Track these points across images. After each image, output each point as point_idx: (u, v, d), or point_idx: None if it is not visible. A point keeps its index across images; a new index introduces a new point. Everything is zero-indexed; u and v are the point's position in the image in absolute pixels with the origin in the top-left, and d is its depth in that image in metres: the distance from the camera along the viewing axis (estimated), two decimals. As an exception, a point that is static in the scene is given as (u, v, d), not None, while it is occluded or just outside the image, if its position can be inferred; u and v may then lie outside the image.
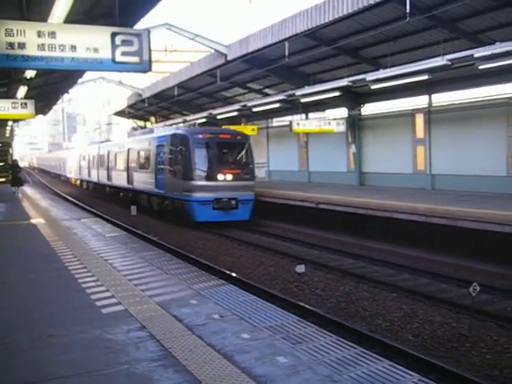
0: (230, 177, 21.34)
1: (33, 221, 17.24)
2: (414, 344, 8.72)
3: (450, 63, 16.16)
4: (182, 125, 34.78)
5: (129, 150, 29.69)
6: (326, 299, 11.26)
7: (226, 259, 15.39)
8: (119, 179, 31.43)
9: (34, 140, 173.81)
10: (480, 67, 16.31)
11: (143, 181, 26.59)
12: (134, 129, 45.17)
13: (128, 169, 29.37)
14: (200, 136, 21.82)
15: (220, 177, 21.13)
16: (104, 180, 35.80)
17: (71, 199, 33.01)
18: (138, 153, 27.82)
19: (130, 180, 29.03)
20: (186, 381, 4.89)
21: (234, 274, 12.93)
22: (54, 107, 49.92)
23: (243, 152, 22.35)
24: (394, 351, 8.11)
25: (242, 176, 21.79)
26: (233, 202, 20.84)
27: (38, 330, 6.41)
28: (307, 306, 10.39)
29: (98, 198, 36.66)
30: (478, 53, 15.55)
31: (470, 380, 7.11)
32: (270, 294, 11.21)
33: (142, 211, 26.16)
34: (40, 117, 51.65)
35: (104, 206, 31.13)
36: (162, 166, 23.60)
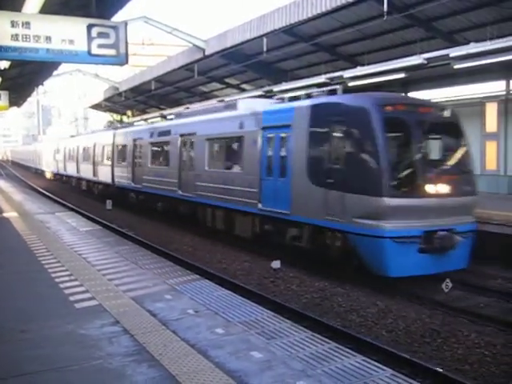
0: (446, 188, 11.51)
1: (5, 214, 16.98)
2: (387, 339, 8.80)
3: (426, 62, 16.33)
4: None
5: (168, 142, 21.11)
6: (301, 295, 11.30)
7: (203, 254, 15.34)
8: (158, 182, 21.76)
9: (7, 132, 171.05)
10: (455, 66, 16.50)
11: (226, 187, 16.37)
12: (111, 122, 44.71)
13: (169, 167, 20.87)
14: (390, 109, 11.71)
15: (431, 188, 11.30)
16: (108, 179, 28.36)
17: (46, 193, 32.57)
18: (186, 145, 19.47)
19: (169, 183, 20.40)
20: (160, 376, 4.87)
21: (209, 269, 12.89)
22: (29, 99, 49.16)
23: (457, 141, 12.60)
24: (368, 346, 8.18)
25: (463, 187, 11.98)
26: (455, 236, 11.35)
27: (9, 325, 6.33)
28: (282, 302, 10.41)
29: (74, 192, 36.22)
30: (454, 52, 15.74)
31: (440, 374, 7.21)
32: (245, 289, 11.21)
33: (118, 205, 25.91)
34: (14, 109, 50.84)
35: (79, 199, 30.76)
36: (275, 165, 14.06)
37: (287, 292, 11.53)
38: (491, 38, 15.82)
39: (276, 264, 13.34)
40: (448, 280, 9.20)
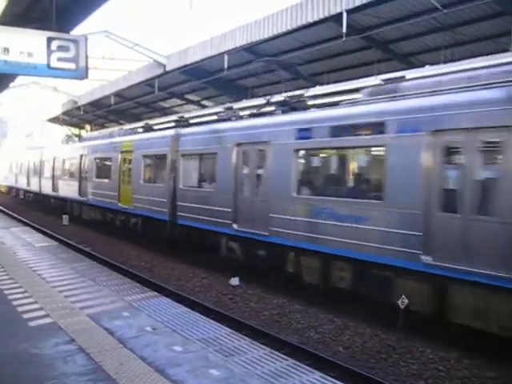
0: None
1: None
2: (344, 356, 8.88)
3: (383, 83, 16.69)
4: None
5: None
6: (259, 312, 11.30)
7: (161, 271, 15.19)
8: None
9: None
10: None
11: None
12: (69, 136, 44.05)
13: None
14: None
15: None
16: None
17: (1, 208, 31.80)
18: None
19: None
20: (116, 395, 4.80)
21: (167, 286, 12.77)
22: (-17, 111, 48.02)
23: None
24: (326, 363, 8.24)
25: None
26: None
27: (-41, 344, 6.14)
28: (240, 319, 10.39)
29: (30, 207, 35.46)
30: (409, 74, 16.17)
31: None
32: (203, 306, 11.15)
33: (74, 221, 25.46)
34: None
35: (34, 215, 30.09)
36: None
37: (246, 309, 11.52)
38: (445, 62, 16.35)
39: (235, 281, 13.34)
40: (404, 296, 9.35)
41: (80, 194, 26.00)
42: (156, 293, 9.82)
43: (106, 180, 22.86)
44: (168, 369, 5.45)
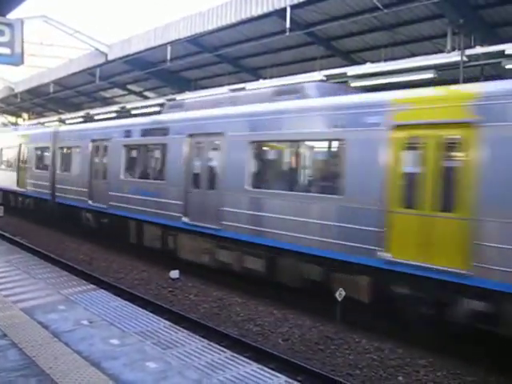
0: None
1: None
2: (283, 347, 8.99)
3: (325, 78, 16.94)
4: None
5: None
6: (199, 304, 11.29)
7: (100, 264, 14.93)
8: None
9: None
10: (352, 84, 17.24)
11: None
12: (4, 124, 42.47)
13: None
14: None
15: None
16: None
17: None
18: None
19: None
20: (49, 390, 4.70)
21: (105, 279, 12.57)
22: None
23: None
24: (264, 355, 8.32)
25: None
26: None
27: None
28: (179, 312, 10.36)
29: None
30: (351, 71, 16.50)
31: (332, 379, 7.48)
32: (142, 299, 11.04)
33: (11, 212, 24.65)
34: None
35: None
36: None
37: (185, 302, 11.49)
38: (385, 60, 16.77)
39: (174, 274, 13.27)
40: (341, 289, 9.55)
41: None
42: (94, 286, 9.65)
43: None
44: (104, 362, 5.38)
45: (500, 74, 14.96)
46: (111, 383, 4.86)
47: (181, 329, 7.29)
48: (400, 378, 7.82)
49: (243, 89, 18.26)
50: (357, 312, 9.77)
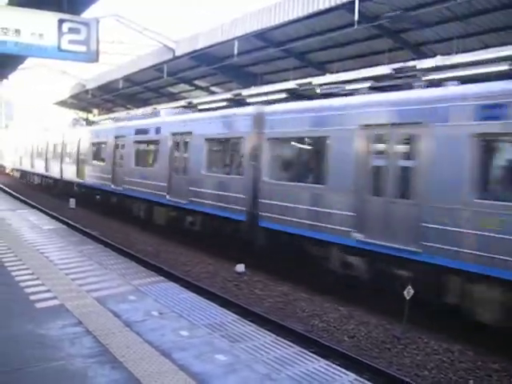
0: None
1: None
2: (349, 345, 8.89)
3: (393, 72, 16.57)
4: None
5: None
6: (264, 299, 11.33)
7: (167, 256, 15.23)
8: None
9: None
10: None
11: None
12: (76, 120, 44.00)
13: None
14: None
15: None
16: None
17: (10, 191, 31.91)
18: None
19: None
20: (123, 378, 4.83)
21: (173, 272, 12.81)
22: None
23: None
24: (330, 351, 8.26)
25: None
26: None
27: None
28: (245, 306, 10.42)
29: (36, 190, 35.55)
30: (420, 64, 16.05)
31: (400, 380, 7.33)
32: (209, 292, 11.18)
33: (81, 204, 25.54)
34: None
35: (41, 197, 30.17)
36: None
37: (251, 296, 11.55)
38: (457, 52, 16.19)
39: (240, 268, 13.36)
40: (410, 287, 9.33)
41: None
42: (162, 277, 9.83)
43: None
44: (174, 353, 5.48)
45: None
46: (181, 373, 4.94)
47: (248, 322, 7.32)
48: (471, 381, 7.57)
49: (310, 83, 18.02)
50: (423, 312, 9.54)
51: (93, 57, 8.94)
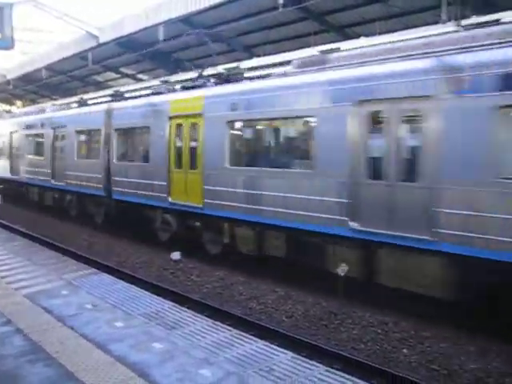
0: None
1: None
2: (287, 324, 9.02)
3: (319, 54, 16.78)
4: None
5: None
6: (201, 285, 11.32)
7: (100, 248, 14.93)
8: None
9: None
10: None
11: None
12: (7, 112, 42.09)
13: None
14: None
15: None
16: None
17: None
18: None
19: None
20: (57, 374, 4.70)
21: (107, 263, 12.58)
22: None
23: None
24: (269, 332, 8.35)
25: None
26: None
27: None
28: (182, 293, 10.38)
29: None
30: (345, 46, 16.33)
31: (337, 354, 7.52)
32: (144, 281, 11.05)
33: (7, 200, 24.64)
34: None
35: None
36: None
37: (187, 283, 11.52)
38: (380, 33, 16.58)
39: (176, 255, 13.29)
40: (344, 264, 9.55)
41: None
42: (96, 270, 9.64)
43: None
44: (110, 345, 5.38)
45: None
46: (118, 365, 4.87)
47: (185, 309, 7.30)
48: (404, 350, 7.85)
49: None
50: (358, 286, 9.81)
51: (8, 43, 8.52)
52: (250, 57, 21.55)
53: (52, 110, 23.49)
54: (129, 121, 16.31)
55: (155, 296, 7.91)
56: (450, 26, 14.15)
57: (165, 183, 14.05)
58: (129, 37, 23.59)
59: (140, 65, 29.72)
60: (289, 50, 18.86)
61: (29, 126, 23.96)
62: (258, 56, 20.23)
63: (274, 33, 21.12)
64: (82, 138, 19.63)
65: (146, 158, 15.22)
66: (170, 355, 5.11)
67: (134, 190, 15.53)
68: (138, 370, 4.78)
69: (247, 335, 6.23)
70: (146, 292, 8.13)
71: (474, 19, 14.02)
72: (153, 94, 16.65)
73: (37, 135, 23.15)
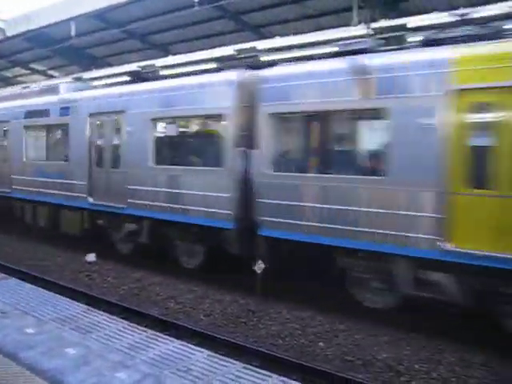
0: None
1: None
2: (205, 323, 9.02)
3: (236, 53, 16.87)
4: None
5: None
6: (117, 287, 11.11)
7: (10, 251, 14.30)
8: None
9: None
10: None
11: None
12: None
13: None
14: None
15: None
16: None
17: None
18: None
19: None
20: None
21: (17, 267, 12.06)
22: None
23: None
24: (186, 331, 8.33)
25: None
26: None
27: None
28: (97, 295, 10.15)
29: None
30: (260, 45, 16.53)
31: (256, 350, 7.61)
32: (58, 285, 10.70)
33: None
34: None
35: None
36: None
37: (103, 285, 11.28)
38: (295, 34, 16.91)
39: (91, 257, 12.98)
40: (260, 261, 9.67)
41: None
42: (4, 275, 9.21)
43: None
44: (20, 352, 5.18)
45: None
46: (28, 373, 4.70)
47: (100, 312, 7.13)
48: (321, 343, 8.06)
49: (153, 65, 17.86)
50: (276, 283, 9.97)
51: None
52: (166, 55, 21.34)
53: None
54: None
55: (69, 300, 7.66)
56: (361, 29, 14.68)
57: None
58: (38, 31, 22.70)
59: (51, 61, 28.72)
60: (206, 49, 18.85)
61: None
62: (174, 54, 20.06)
63: (190, 31, 21.05)
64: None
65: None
66: (84, 360, 4.99)
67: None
68: (50, 377, 4.64)
69: (164, 335, 6.17)
70: (60, 296, 7.86)
71: (383, 23, 14.62)
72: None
73: None
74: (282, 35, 16.56)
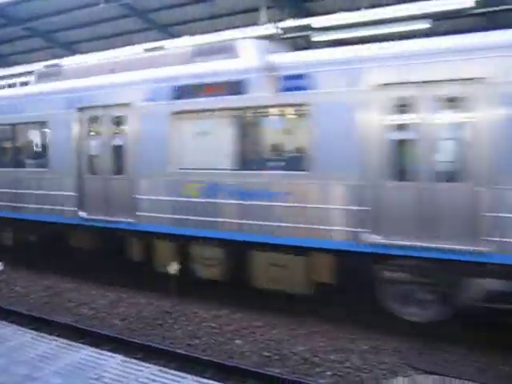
0: None
1: None
2: (121, 328, 8.84)
3: (144, 51, 16.66)
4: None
5: None
6: (27, 295, 10.67)
7: None
8: None
9: None
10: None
11: None
12: None
13: None
14: None
15: None
16: None
17: None
18: None
19: None
20: None
21: None
22: None
23: None
24: (99, 337, 8.13)
25: None
26: None
27: None
28: (4, 306, 9.69)
29: None
30: (169, 44, 16.40)
31: (172, 352, 7.55)
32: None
33: None
34: None
35: None
36: None
37: (11, 295, 10.79)
38: (203, 33, 16.91)
39: (-4, 266, 12.38)
40: (175, 263, 9.61)
41: None
42: None
43: None
44: None
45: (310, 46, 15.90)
46: None
47: (7, 324, 6.81)
48: (238, 341, 8.11)
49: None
50: (192, 284, 9.93)
51: None
52: (73, 53, 20.69)
53: None
54: None
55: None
56: (269, 29, 14.92)
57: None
58: None
59: None
60: (116, 47, 18.46)
61: None
62: (81, 53, 19.49)
63: (98, 29, 20.51)
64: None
65: None
66: (-14, 376, 4.75)
67: None
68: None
69: (76, 344, 5.99)
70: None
71: (290, 23, 14.93)
72: None
73: None
74: (189, 34, 16.50)
